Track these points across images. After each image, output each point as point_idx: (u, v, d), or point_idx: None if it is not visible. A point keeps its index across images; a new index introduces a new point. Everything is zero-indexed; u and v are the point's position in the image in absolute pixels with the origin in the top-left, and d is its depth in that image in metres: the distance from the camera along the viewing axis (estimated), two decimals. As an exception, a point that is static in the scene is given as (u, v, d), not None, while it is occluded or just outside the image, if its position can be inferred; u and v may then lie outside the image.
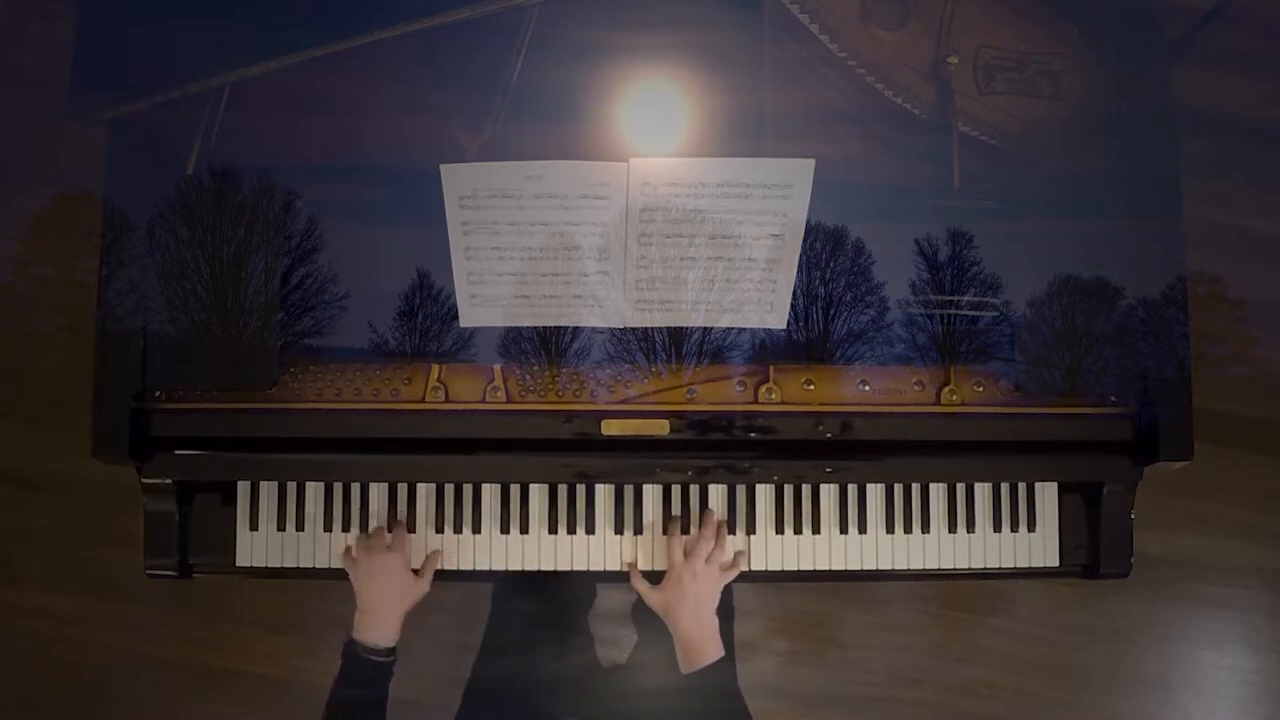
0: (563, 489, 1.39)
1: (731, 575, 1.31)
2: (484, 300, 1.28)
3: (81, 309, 2.00)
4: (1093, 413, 1.32)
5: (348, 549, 1.34)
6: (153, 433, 1.29)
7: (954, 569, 1.40)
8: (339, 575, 1.38)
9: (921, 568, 1.40)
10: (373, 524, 1.36)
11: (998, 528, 1.40)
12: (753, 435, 1.32)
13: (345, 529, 1.38)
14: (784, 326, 1.29)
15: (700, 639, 1.25)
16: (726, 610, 1.56)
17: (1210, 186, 1.94)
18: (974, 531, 1.40)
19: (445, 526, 1.38)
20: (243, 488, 1.37)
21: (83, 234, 2.02)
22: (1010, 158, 1.36)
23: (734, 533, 1.39)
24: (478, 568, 1.38)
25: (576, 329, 1.30)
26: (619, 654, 1.31)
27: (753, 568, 1.39)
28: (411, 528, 1.37)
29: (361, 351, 1.30)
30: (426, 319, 1.30)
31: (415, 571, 1.32)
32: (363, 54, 1.28)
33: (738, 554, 1.34)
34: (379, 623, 1.26)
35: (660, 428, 1.31)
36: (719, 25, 1.36)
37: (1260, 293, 2.06)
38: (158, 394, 1.29)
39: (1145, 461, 1.32)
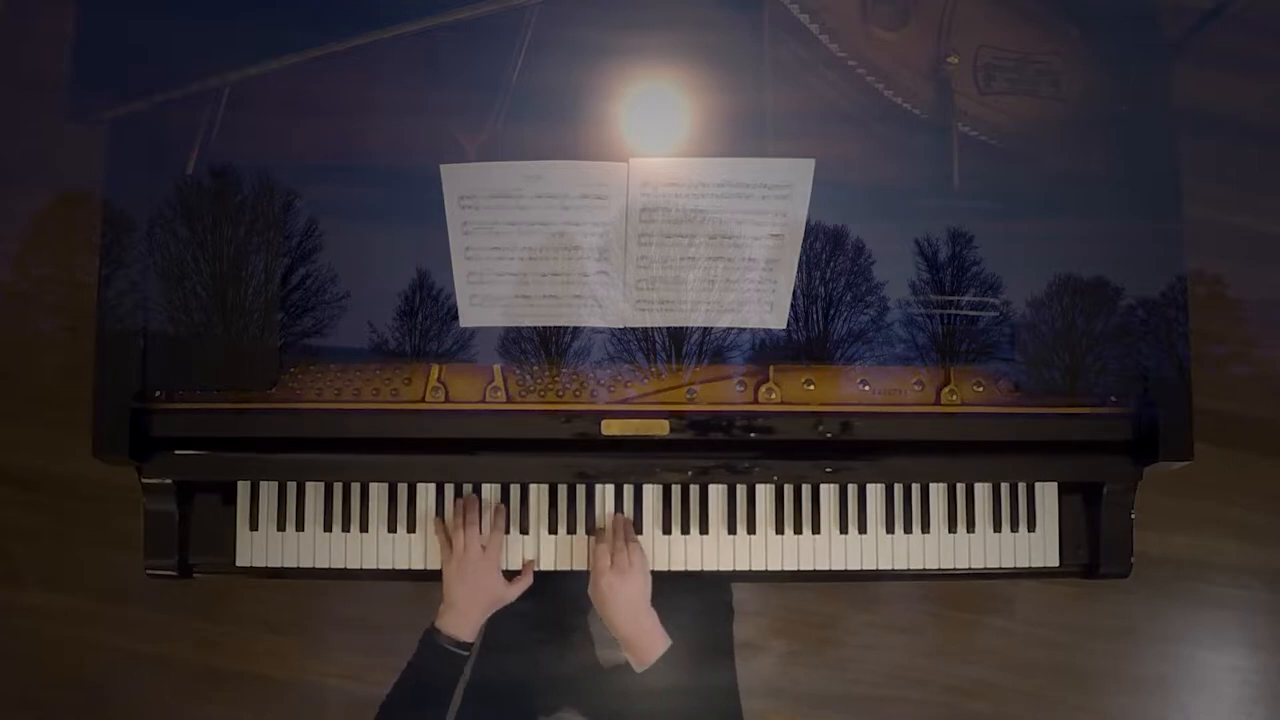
0: (563, 489, 1.39)
1: (648, 565, 1.32)
2: (484, 300, 1.28)
3: (81, 309, 2.00)
4: (1093, 413, 1.32)
5: (441, 527, 1.35)
6: (153, 433, 1.29)
7: (954, 569, 1.40)
8: (339, 575, 1.38)
9: (921, 568, 1.40)
10: (468, 510, 1.34)
11: (998, 528, 1.40)
12: (753, 435, 1.32)
13: (345, 529, 1.38)
14: (784, 326, 1.29)
15: (642, 636, 1.27)
16: (726, 610, 1.57)
17: (1210, 186, 1.94)
18: (974, 531, 1.40)
19: (445, 526, 1.37)
20: (243, 488, 1.37)
21: (83, 234, 2.02)
22: (1010, 158, 1.36)
23: (734, 532, 1.39)
24: (478, 568, 1.38)
25: (576, 329, 1.30)
26: (619, 654, 1.31)
27: (753, 568, 1.40)
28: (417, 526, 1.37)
29: (361, 351, 1.30)
30: (426, 319, 1.30)
31: (507, 573, 1.34)
32: (363, 54, 1.28)
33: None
34: (462, 619, 1.28)
35: (660, 428, 1.31)
36: (719, 25, 1.36)
37: (1260, 293, 2.06)
38: (158, 394, 1.29)
39: (1145, 461, 1.32)
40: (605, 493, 1.39)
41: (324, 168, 1.33)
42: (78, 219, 2.04)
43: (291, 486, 1.38)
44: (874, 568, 1.40)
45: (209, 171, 1.29)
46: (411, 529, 1.38)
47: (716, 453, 1.33)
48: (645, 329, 1.30)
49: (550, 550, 1.38)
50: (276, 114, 1.33)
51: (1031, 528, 1.40)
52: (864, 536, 1.40)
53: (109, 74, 1.29)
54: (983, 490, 1.40)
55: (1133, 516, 1.36)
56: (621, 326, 1.29)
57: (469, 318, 1.29)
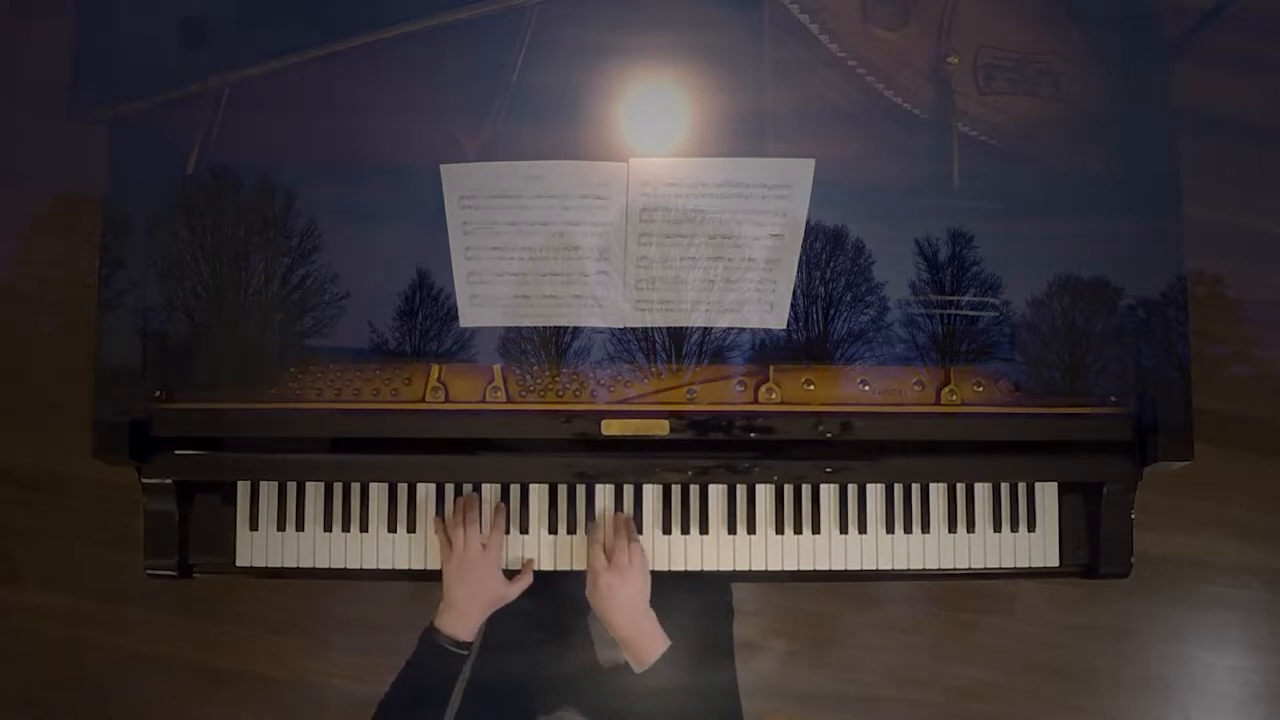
0: (563, 489, 1.39)
1: (647, 565, 1.31)
2: (484, 300, 1.28)
3: (81, 309, 2.00)
4: (1093, 413, 1.32)
5: (441, 526, 1.34)
6: (153, 433, 1.29)
7: (954, 569, 1.40)
8: (339, 575, 1.38)
9: (921, 568, 1.40)
10: (468, 509, 1.33)
11: (998, 528, 1.40)
12: (753, 435, 1.32)
13: (345, 529, 1.38)
14: (784, 326, 1.29)
15: (641, 636, 1.26)
16: (726, 610, 1.57)
17: (1210, 186, 1.94)
18: (974, 531, 1.40)
19: (445, 526, 1.37)
20: (243, 488, 1.37)
21: (83, 234, 2.02)
22: (1010, 158, 1.36)
23: (734, 532, 1.39)
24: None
25: (576, 329, 1.30)
26: (618, 654, 1.31)
27: (753, 568, 1.40)
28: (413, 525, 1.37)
29: (361, 351, 1.30)
30: (426, 319, 1.30)
31: (507, 573, 1.33)
32: (363, 54, 1.28)
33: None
34: (461, 618, 1.27)
35: (660, 428, 1.31)
36: (719, 25, 1.36)
37: (1260, 293, 2.06)
38: (158, 394, 1.29)
39: (1145, 461, 1.32)
40: (605, 493, 1.39)
41: (324, 168, 1.33)
42: (78, 219, 2.04)
43: (291, 486, 1.37)
44: (874, 568, 1.40)
45: (209, 172, 1.29)
46: (411, 529, 1.38)
47: (716, 453, 1.33)
48: (645, 329, 1.30)
49: (550, 550, 1.38)
50: (276, 114, 1.33)
51: (1031, 528, 1.40)
52: (864, 536, 1.40)
53: (109, 74, 1.29)
54: (983, 490, 1.40)
55: (1133, 516, 1.36)
56: (621, 326, 1.29)
57: (469, 318, 1.29)
